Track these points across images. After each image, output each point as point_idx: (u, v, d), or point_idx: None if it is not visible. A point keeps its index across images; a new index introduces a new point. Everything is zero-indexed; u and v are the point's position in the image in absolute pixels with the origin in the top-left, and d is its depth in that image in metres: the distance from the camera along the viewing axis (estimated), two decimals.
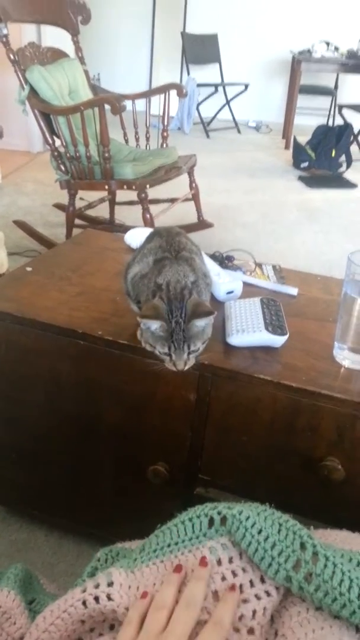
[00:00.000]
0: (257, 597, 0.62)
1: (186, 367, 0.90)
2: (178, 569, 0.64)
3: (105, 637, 0.62)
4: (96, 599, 0.61)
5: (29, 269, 1.29)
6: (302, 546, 0.63)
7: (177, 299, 0.87)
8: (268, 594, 0.62)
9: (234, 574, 0.63)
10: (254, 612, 0.61)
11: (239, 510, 0.67)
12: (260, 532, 0.64)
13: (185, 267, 0.93)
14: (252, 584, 0.62)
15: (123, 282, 1.07)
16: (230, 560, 0.64)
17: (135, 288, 1.00)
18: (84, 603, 0.61)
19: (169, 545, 0.68)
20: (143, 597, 0.62)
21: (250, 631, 0.60)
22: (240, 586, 0.62)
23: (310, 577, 0.61)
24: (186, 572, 0.64)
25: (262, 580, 0.63)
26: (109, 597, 0.61)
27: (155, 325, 0.86)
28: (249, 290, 1.26)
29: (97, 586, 0.62)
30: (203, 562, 0.64)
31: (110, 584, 0.63)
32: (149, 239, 1.05)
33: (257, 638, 0.60)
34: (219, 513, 0.68)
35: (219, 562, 0.64)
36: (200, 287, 0.94)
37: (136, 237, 1.45)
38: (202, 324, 0.88)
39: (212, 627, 0.58)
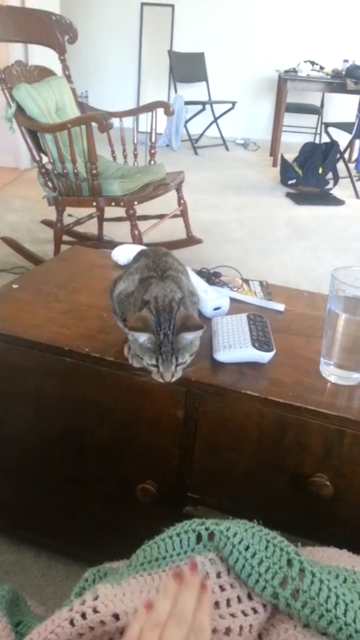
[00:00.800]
0: (244, 614, 0.61)
1: (173, 379, 0.90)
2: (177, 578, 0.63)
3: None
4: (83, 615, 0.60)
5: (15, 286, 1.28)
6: (289, 563, 0.63)
7: (165, 311, 0.88)
8: (255, 611, 0.62)
9: (222, 588, 0.63)
10: (241, 627, 0.60)
11: (226, 526, 0.67)
12: (247, 548, 0.64)
13: (172, 285, 0.94)
14: (239, 599, 0.62)
15: (109, 299, 1.08)
16: (219, 575, 0.64)
17: (121, 306, 1.01)
18: (71, 622, 0.61)
19: (156, 560, 0.68)
20: (146, 608, 0.61)
21: None
22: (228, 601, 0.61)
23: (297, 594, 0.61)
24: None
25: (250, 597, 0.63)
26: (94, 610, 0.61)
27: (143, 337, 0.87)
28: (236, 306, 1.26)
29: (83, 603, 0.62)
30: (193, 567, 0.63)
31: (95, 598, 0.62)
32: (136, 258, 1.06)
33: None
34: (206, 529, 0.68)
35: (206, 577, 0.64)
36: (187, 304, 0.95)
37: (123, 253, 1.45)
38: (191, 337, 0.89)
39: (176, 624, 0.57)
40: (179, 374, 0.91)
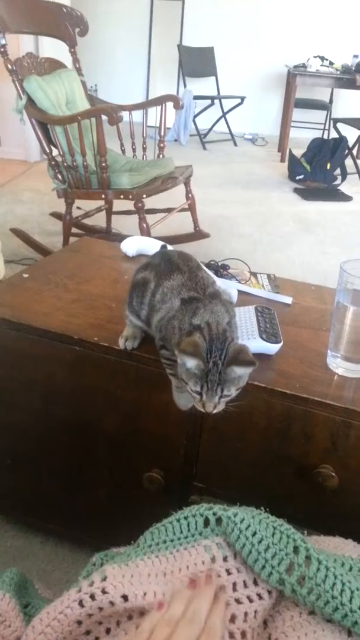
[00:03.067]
0: (250, 599, 0.62)
1: (215, 411, 0.84)
2: (192, 584, 0.64)
3: None
4: (92, 596, 0.62)
5: (25, 275, 1.29)
6: (296, 550, 0.64)
7: (218, 340, 0.82)
8: (260, 597, 0.63)
9: (228, 572, 0.64)
10: (246, 614, 0.61)
11: (233, 512, 0.68)
12: (254, 534, 0.65)
13: (219, 307, 0.89)
14: (245, 584, 0.63)
15: (128, 299, 1.04)
16: (225, 559, 0.65)
17: (163, 331, 0.94)
18: (80, 603, 0.62)
19: (164, 542, 0.69)
20: (159, 609, 0.62)
21: (243, 635, 0.60)
22: (234, 585, 0.62)
23: (303, 581, 0.62)
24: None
25: (255, 583, 0.64)
26: (103, 591, 0.62)
27: (192, 362, 0.81)
28: (244, 298, 1.27)
29: (91, 584, 0.63)
30: (209, 578, 0.64)
31: (104, 579, 0.63)
32: (165, 271, 0.97)
33: None
34: (214, 514, 0.69)
35: (213, 560, 0.64)
36: (233, 326, 0.90)
37: (132, 245, 1.46)
38: (241, 372, 0.83)
39: (205, 638, 0.58)
40: (221, 406, 0.84)
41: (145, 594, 0.62)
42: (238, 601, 0.62)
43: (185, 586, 0.63)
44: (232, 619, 0.62)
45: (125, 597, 0.61)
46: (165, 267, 0.98)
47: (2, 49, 2.47)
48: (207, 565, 0.64)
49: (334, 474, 0.97)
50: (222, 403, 0.84)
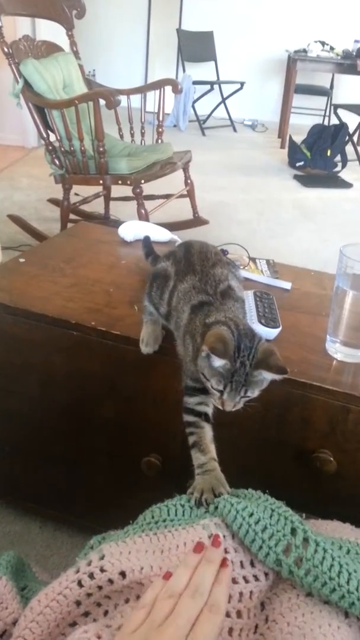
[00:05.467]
0: (245, 580, 0.62)
1: (234, 409, 0.80)
2: (198, 547, 0.64)
3: (98, 623, 0.62)
4: (91, 575, 0.62)
5: (22, 260, 1.28)
6: (293, 531, 0.64)
7: (247, 337, 0.77)
8: (256, 578, 0.63)
9: (226, 551, 0.64)
10: (241, 594, 0.61)
11: (230, 496, 0.68)
12: (251, 515, 0.65)
13: (233, 304, 0.85)
14: (242, 565, 0.63)
15: (147, 288, 1.02)
16: (223, 538, 0.65)
17: (181, 349, 0.90)
18: (79, 583, 0.62)
19: (164, 520, 0.69)
20: (165, 578, 0.62)
21: (239, 614, 0.60)
22: (231, 564, 0.62)
23: (300, 562, 0.62)
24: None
25: (252, 565, 0.64)
26: (102, 569, 0.62)
27: (220, 362, 0.75)
28: (243, 283, 1.26)
29: (89, 563, 0.63)
30: (216, 541, 0.64)
31: (102, 558, 0.63)
32: (184, 272, 0.94)
33: (245, 622, 0.60)
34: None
35: (211, 538, 0.64)
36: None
37: (130, 230, 1.45)
38: (269, 377, 0.78)
39: (207, 614, 0.58)
40: (240, 405, 0.80)
41: (142, 568, 0.62)
42: (234, 581, 0.62)
43: (194, 546, 0.63)
44: (228, 598, 0.62)
45: (123, 574, 0.61)
46: (184, 266, 0.95)
47: None
48: (205, 543, 0.64)
49: (332, 459, 0.97)
50: (242, 402, 0.80)
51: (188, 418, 0.85)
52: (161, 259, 1.02)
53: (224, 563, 0.62)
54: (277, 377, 0.77)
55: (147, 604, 0.59)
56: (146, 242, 1.32)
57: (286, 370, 0.76)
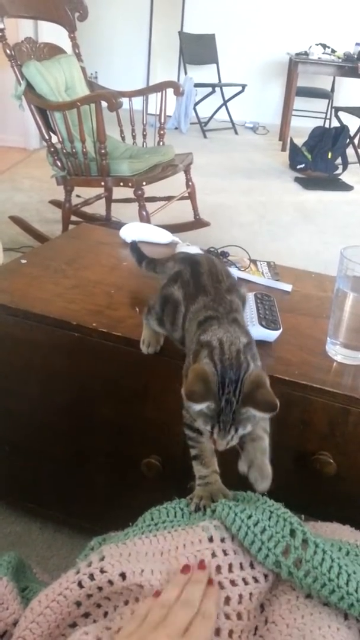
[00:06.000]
0: (245, 582, 0.63)
1: (228, 447, 0.73)
2: (185, 569, 0.64)
3: (98, 625, 0.63)
4: (91, 576, 0.62)
5: (23, 261, 1.29)
6: (292, 533, 0.64)
7: (232, 367, 0.69)
8: (256, 580, 0.63)
9: (225, 552, 0.64)
10: (241, 596, 0.61)
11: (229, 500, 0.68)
12: (250, 517, 0.65)
13: (236, 329, 0.78)
14: (241, 566, 0.63)
15: (155, 309, 0.96)
16: (222, 540, 0.65)
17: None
18: (79, 584, 0.62)
19: (163, 522, 0.69)
20: (155, 596, 0.62)
21: (239, 616, 0.60)
22: (230, 566, 0.62)
23: (299, 563, 0.62)
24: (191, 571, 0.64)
25: (252, 566, 0.64)
26: (102, 571, 0.62)
27: (201, 406, 0.68)
28: (244, 286, 1.26)
29: (89, 564, 0.63)
30: (202, 565, 0.64)
31: (102, 559, 0.63)
32: (194, 295, 0.86)
33: (246, 623, 0.60)
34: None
35: (211, 539, 0.65)
36: (254, 352, 0.78)
37: (131, 232, 1.45)
38: (260, 415, 0.71)
39: (200, 620, 0.59)
40: (234, 442, 0.73)
41: (142, 570, 0.62)
42: (233, 583, 0.62)
43: (181, 568, 0.64)
44: (227, 600, 0.62)
45: (123, 575, 0.61)
46: (194, 289, 0.87)
47: (1, 34, 2.44)
48: (205, 544, 0.64)
49: (332, 461, 0.97)
50: (236, 439, 0.72)
51: (188, 433, 0.83)
52: (167, 284, 0.94)
53: (210, 582, 0.63)
54: (265, 415, 0.70)
55: (140, 615, 0.60)
56: (134, 248, 1.23)
57: (275, 407, 0.68)
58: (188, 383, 0.68)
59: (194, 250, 1.37)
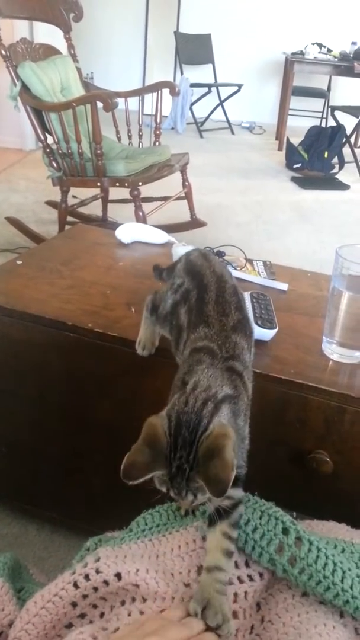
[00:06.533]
0: (240, 580, 0.63)
1: (194, 505, 0.64)
2: None
3: (94, 625, 0.63)
4: (86, 577, 0.62)
5: (19, 262, 1.29)
6: (285, 531, 0.64)
7: (188, 425, 0.59)
8: (251, 578, 0.63)
9: None
10: (236, 594, 0.61)
11: None
12: (240, 517, 0.65)
13: (224, 378, 0.68)
14: (236, 565, 0.63)
15: (160, 311, 0.90)
16: None
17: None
18: (74, 584, 0.62)
19: (157, 526, 0.69)
20: (160, 612, 0.61)
21: (235, 615, 0.61)
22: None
23: (294, 561, 0.62)
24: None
25: (247, 565, 0.64)
26: (97, 571, 0.62)
27: (140, 480, 0.60)
28: (240, 285, 1.25)
29: (85, 565, 0.63)
30: None
31: (97, 560, 0.63)
32: (196, 323, 0.79)
33: (242, 622, 0.60)
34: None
35: (205, 539, 0.65)
36: (239, 407, 0.69)
37: (127, 232, 1.45)
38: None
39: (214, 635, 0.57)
40: (201, 500, 0.62)
41: (137, 570, 0.62)
42: (228, 581, 0.62)
43: (178, 566, 0.63)
44: None
45: (118, 576, 0.61)
46: (196, 317, 0.79)
47: None
48: (199, 544, 0.64)
49: (328, 459, 0.97)
50: (201, 500, 0.62)
51: None
52: (170, 292, 0.88)
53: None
54: (212, 496, 0.57)
55: (138, 621, 0.59)
56: (155, 269, 1.15)
57: (224, 491, 0.55)
58: (131, 450, 0.60)
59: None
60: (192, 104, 5.99)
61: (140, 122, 2.92)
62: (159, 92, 2.80)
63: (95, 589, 0.62)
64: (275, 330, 1.05)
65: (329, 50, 5.55)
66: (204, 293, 0.82)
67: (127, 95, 2.84)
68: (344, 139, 4.86)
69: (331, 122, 5.31)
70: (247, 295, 1.14)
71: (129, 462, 0.59)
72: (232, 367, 0.70)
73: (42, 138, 2.65)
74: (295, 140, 4.91)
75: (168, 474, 0.59)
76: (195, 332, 0.76)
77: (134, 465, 0.58)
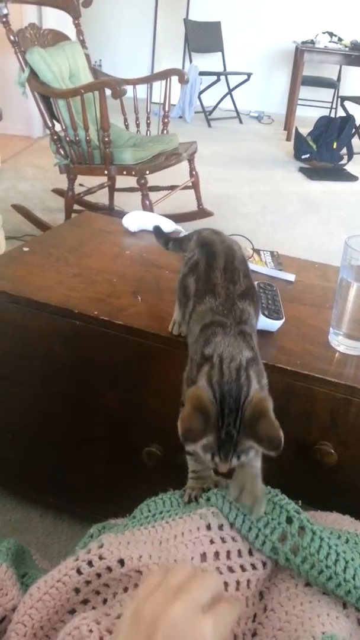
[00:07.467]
0: (242, 568, 0.63)
1: (230, 468, 0.67)
2: None
3: (97, 611, 0.63)
4: (89, 563, 0.62)
5: (25, 249, 1.28)
6: (289, 520, 0.64)
7: (231, 394, 0.63)
8: (254, 567, 0.63)
9: (223, 540, 0.64)
10: (238, 582, 0.61)
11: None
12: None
13: (240, 343, 0.71)
14: (239, 553, 0.63)
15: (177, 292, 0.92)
16: (221, 527, 0.65)
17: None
18: (78, 570, 0.62)
19: (160, 513, 0.69)
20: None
21: None
22: (228, 553, 0.63)
23: (297, 550, 0.62)
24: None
25: (250, 553, 0.64)
26: (100, 557, 0.62)
27: (198, 445, 0.64)
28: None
29: (88, 552, 0.63)
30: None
31: (100, 547, 0.63)
32: (202, 293, 0.81)
33: (244, 610, 0.61)
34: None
35: (209, 527, 0.65)
36: (260, 368, 0.72)
37: (134, 220, 1.44)
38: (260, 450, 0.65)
39: (228, 603, 0.56)
40: (240, 463, 0.67)
41: (140, 556, 0.62)
42: (231, 569, 0.62)
43: (181, 553, 0.63)
44: (225, 587, 0.62)
45: (121, 562, 0.61)
46: (203, 285, 0.81)
47: (4, 19, 2.42)
48: (203, 531, 0.64)
49: (332, 451, 0.97)
50: (241, 462, 0.67)
51: None
52: (185, 275, 0.89)
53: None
54: (269, 452, 0.63)
55: (162, 570, 0.57)
56: (157, 231, 1.17)
57: (280, 445, 0.62)
58: (184, 417, 0.62)
59: None
60: (201, 92, 5.94)
61: (149, 110, 2.91)
62: (168, 79, 2.78)
63: (99, 575, 0.62)
64: (282, 321, 1.04)
65: (340, 40, 5.48)
66: (212, 260, 0.84)
67: (135, 82, 2.82)
68: (354, 130, 4.82)
69: (340, 113, 5.27)
70: None
71: (186, 427, 0.61)
72: (243, 330, 0.73)
73: (50, 125, 2.64)
74: (304, 131, 4.86)
75: (217, 440, 0.62)
76: (202, 303, 0.78)
77: (191, 430, 0.61)
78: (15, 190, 3.55)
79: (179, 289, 0.90)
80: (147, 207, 2.59)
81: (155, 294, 1.14)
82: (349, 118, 4.79)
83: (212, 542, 0.64)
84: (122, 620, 0.52)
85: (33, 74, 2.55)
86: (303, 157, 4.78)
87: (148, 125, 2.93)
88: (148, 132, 2.95)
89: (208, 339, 0.71)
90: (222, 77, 5.92)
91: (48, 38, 2.73)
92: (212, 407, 0.63)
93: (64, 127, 2.59)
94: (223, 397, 0.63)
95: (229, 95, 5.96)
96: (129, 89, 2.54)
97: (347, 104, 5.10)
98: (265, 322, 1.03)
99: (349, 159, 4.77)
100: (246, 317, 0.76)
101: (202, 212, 3.15)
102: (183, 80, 2.77)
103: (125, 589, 0.64)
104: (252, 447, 0.64)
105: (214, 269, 0.82)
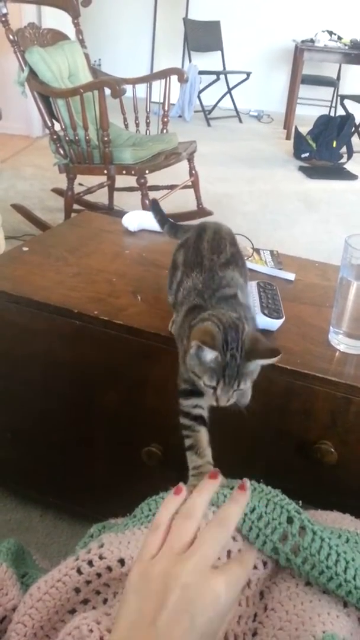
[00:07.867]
0: None
1: (228, 404, 0.78)
2: (213, 475, 0.66)
3: (98, 611, 0.63)
4: (89, 563, 0.62)
5: (25, 249, 1.28)
6: (290, 520, 0.64)
7: (232, 329, 0.74)
8: (255, 566, 0.63)
9: None
10: None
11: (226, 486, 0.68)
12: (246, 504, 0.65)
13: (225, 309, 0.80)
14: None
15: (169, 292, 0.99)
16: None
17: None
18: (78, 570, 0.62)
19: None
20: (177, 493, 0.62)
21: (238, 603, 0.60)
22: (229, 552, 0.62)
23: (298, 550, 0.62)
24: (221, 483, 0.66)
25: None
26: (100, 557, 0.62)
27: (210, 355, 0.73)
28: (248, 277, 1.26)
29: (89, 551, 0.63)
30: (243, 487, 0.65)
31: (101, 546, 0.63)
32: (191, 265, 0.89)
33: (244, 609, 0.60)
34: None
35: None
36: (249, 320, 0.82)
37: (134, 220, 1.44)
38: (261, 363, 0.76)
39: (216, 525, 0.58)
40: (233, 399, 0.78)
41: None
42: None
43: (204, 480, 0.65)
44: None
45: (122, 562, 0.61)
46: (192, 256, 0.90)
47: (4, 19, 2.42)
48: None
49: (333, 450, 0.97)
50: (235, 396, 0.77)
51: (184, 421, 0.85)
52: (177, 249, 0.98)
53: (242, 488, 0.64)
54: (272, 360, 0.74)
55: (162, 524, 0.58)
56: (155, 208, 1.19)
57: (278, 352, 0.73)
58: (198, 335, 0.72)
59: None
60: (200, 91, 5.94)
61: (148, 110, 2.90)
62: (167, 79, 2.78)
63: (99, 575, 0.62)
64: (282, 320, 1.04)
65: (340, 38, 5.48)
66: (202, 232, 0.94)
67: (135, 82, 2.82)
68: (353, 129, 4.82)
69: (340, 111, 5.26)
70: (254, 285, 1.13)
71: (202, 338, 0.71)
72: (224, 295, 0.83)
73: (49, 125, 2.64)
74: (304, 130, 4.86)
75: (223, 362, 0.72)
76: (189, 277, 0.87)
77: (206, 340, 0.71)
78: (14, 190, 3.55)
79: (171, 265, 0.98)
80: (147, 206, 2.59)
81: (155, 294, 1.14)
82: (349, 117, 4.79)
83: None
84: (128, 582, 0.52)
85: (32, 73, 2.55)
86: (303, 155, 4.78)
87: (147, 124, 2.93)
88: (147, 131, 2.95)
89: (194, 317, 0.80)
90: (222, 76, 5.93)
91: (47, 37, 2.73)
92: (219, 334, 0.72)
93: (63, 127, 2.59)
94: (225, 329, 0.73)
95: (228, 95, 5.96)
96: (128, 88, 2.54)
97: (346, 102, 5.10)
98: (265, 321, 1.03)
99: (349, 157, 4.77)
100: (226, 282, 0.85)
101: (201, 212, 3.16)
102: (182, 80, 2.77)
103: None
104: (250, 374, 0.76)
105: (202, 239, 0.92)
